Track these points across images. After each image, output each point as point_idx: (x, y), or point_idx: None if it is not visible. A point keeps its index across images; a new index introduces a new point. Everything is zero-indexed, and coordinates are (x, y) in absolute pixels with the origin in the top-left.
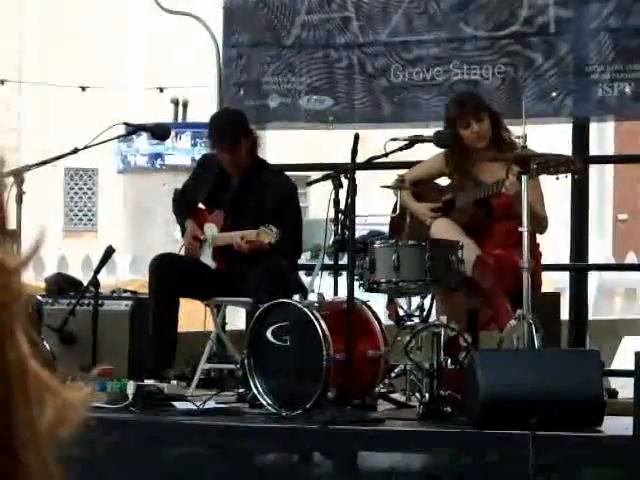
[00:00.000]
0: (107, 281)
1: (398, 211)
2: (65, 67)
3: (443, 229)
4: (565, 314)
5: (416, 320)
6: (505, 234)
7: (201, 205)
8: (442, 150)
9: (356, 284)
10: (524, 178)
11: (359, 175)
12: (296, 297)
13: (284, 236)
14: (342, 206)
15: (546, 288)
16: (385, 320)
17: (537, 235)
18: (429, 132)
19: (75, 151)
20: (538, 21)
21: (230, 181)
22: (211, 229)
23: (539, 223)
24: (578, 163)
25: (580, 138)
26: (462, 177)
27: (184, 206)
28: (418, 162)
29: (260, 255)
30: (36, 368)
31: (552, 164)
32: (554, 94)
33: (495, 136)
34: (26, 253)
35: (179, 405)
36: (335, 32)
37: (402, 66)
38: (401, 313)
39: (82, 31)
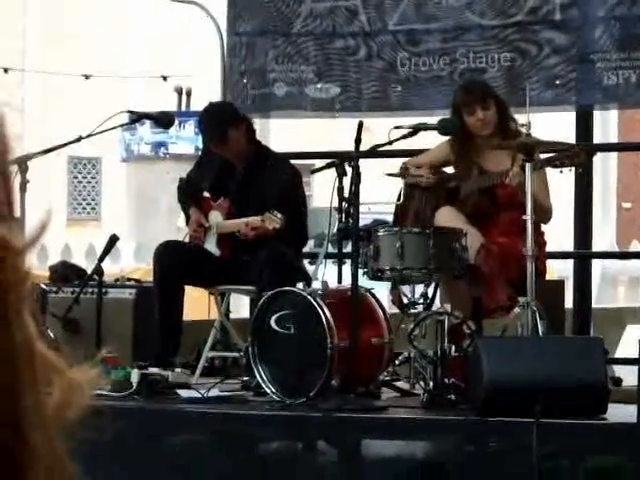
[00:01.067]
0: (111, 269)
1: (402, 199)
2: (68, 55)
3: (447, 217)
4: (569, 302)
5: (420, 308)
6: (509, 223)
7: (206, 194)
8: (447, 138)
9: (360, 272)
10: (528, 166)
11: (363, 163)
12: (300, 285)
13: (289, 223)
14: (346, 194)
15: (550, 276)
16: (389, 308)
17: (541, 224)
18: (433, 120)
19: (79, 139)
20: (543, 9)
21: (235, 169)
22: (216, 216)
23: (543, 213)
24: (582, 156)
25: (584, 126)
26: (466, 165)
27: (189, 194)
28: (422, 150)
29: (264, 243)
30: (43, 349)
31: (556, 157)
32: (559, 82)
33: (500, 124)
34: (32, 234)
35: (183, 393)
36: (341, 21)
37: (409, 55)
38: (405, 300)
39: (85, 19)
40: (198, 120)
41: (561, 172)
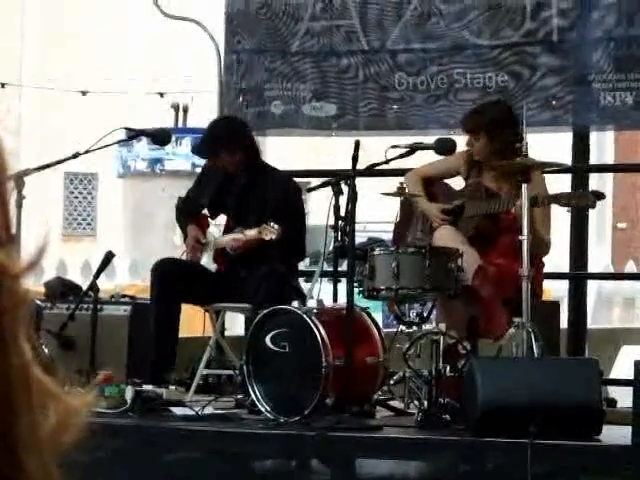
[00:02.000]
0: (106, 286)
1: (399, 218)
2: (65, 72)
3: (446, 237)
4: (564, 323)
5: (415, 328)
6: (509, 246)
7: (205, 211)
8: (464, 150)
9: (355, 291)
10: (525, 186)
11: (359, 182)
12: (295, 303)
13: (287, 235)
14: (342, 213)
15: (545, 297)
16: (384, 327)
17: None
18: (429, 139)
19: (76, 155)
20: (541, 31)
21: (233, 186)
22: (213, 232)
23: (543, 246)
24: (591, 199)
25: (580, 147)
26: (473, 185)
27: (187, 213)
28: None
29: (261, 259)
30: (39, 374)
31: (565, 196)
32: (555, 103)
33: (500, 150)
34: (29, 258)
35: (177, 411)
36: (339, 40)
37: (406, 74)
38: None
39: (82, 35)
40: (200, 138)
41: (568, 211)
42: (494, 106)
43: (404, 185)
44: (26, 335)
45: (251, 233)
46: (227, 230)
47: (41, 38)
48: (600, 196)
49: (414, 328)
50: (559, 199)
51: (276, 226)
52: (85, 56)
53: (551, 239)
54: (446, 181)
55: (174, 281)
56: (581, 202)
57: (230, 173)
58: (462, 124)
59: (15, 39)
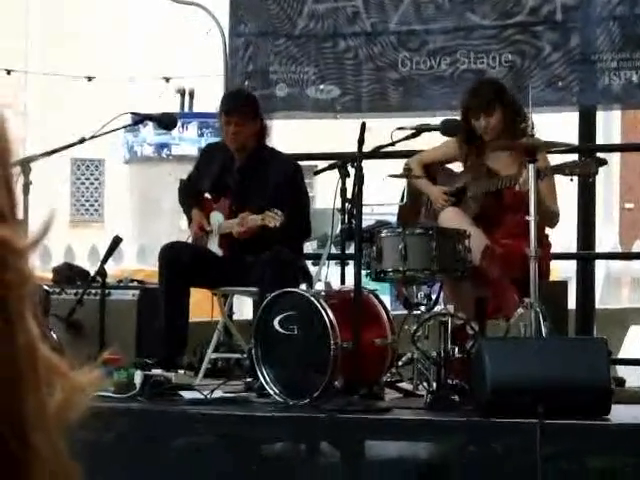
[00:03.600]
0: (114, 271)
1: (406, 200)
2: (70, 58)
3: (452, 218)
4: (572, 303)
5: (423, 309)
6: (515, 225)
7: (207, 195)
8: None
9: (363, 273)
10: (531, 166)
11: (366, 164)
12: (303, 286)
13: (291, 217)
14: (349, 195)
15: (553, 277)
16: (393, 309)
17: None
18: (436, 121)
19: (82, 141)
20: (544, 10)
21: (234, 168)
22: (217, 217)
23: (550, 218)
24: (593, 167)
25: (586, 126)
26: (474, 166)
27: (189, 196)
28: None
29: (267, 243)
30: (45, 351)
31: (567, 166)
32: (560, 83)
33: (507, 128)
34: (35, 235)
35: (186, 395)
36: (343, 22)
37: (409, 55)
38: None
39: (86, 20)
40: (229, 92)
41: (571, 180)
42: (497, 82)
43: (411, 166)
44: (32, 313)
45: (255, 220)
46: (229, 213)
47: (44, 26)
48: (602, 162)
49: (422, 309)
50: (563, 169)
51: (280, 213)
52: (90, 41)
53: (559, 209)
54: (448, 166)
55: (182, 265)
56: (585, 170)
57: (237, 146)
58: (473, 96)
59: (19, 28)
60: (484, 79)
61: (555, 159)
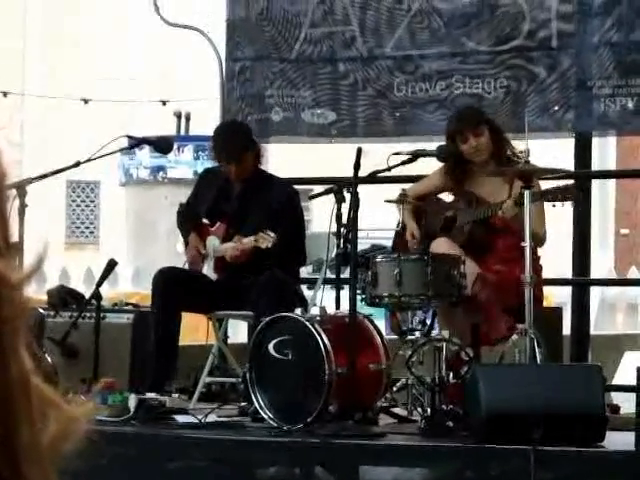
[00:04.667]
0: (109, 294)
1: (401, 226)
2: (67, 80)
3: (443, 248)
4: (567, 329)
5: (418, 334)
6: (505, 249)
7: (205, 220)
8: (440, 165)
9: (358, 298)
10: (526, 193)
11: (362, 189)
12: (298, 311)
13: (287, 243)
14: (344, 220)
15: (548, 303)
16: (387, 334)
17: (538, 249)
18: (432, 146)
19: (77, 164)
20: (540, 35)
21: (231, 193)
22: (213, 242)
23: (537, 240)
24: (575, 192)
25: (582, 152)
26: (462, 195)
27: (188, 220)
28: (420, 177)
29: (262, 267)
30: (39, 383)
31: (549, 192)
32: (556, 108)
33: (495, 151)
34: (29, 268)
35: (180, 418)
36: (338, 46)
37: (405, 80)
38: (403, 328)
39: (84, 42)
40: (215, 133)
41: (554, 206)
42: (478, 109)
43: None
44: (26, 345)
45: (248, 242)
46: (225, 238)
47: (43, 47)
48: (583, 188)
49: (417, 335)
50: (546, 195)
51: (272, 234)
52: (87, 64)
53: (546, 231)
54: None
55: (175, 290)
56: (567, 195)
57: (233, 179)
58: (460, 120)
59: (17, 49)
60: (464, 106)
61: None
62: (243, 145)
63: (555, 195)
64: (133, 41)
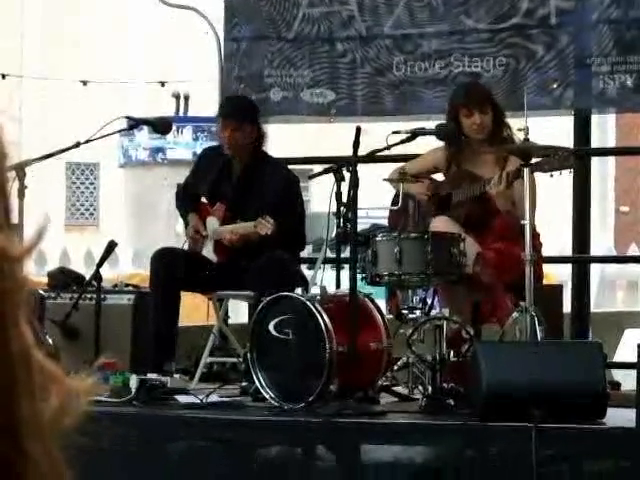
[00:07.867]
0: (109, 275)
1: (400, 204)
2: (66, 62)
3: (442, 227)
4: (567, 306)
5: (418, 313)
6: (505, 226)
7: (204, 199)
8: (438, 145)
9: (358, 277)
10: (526, 170)
11: (361, 168)
12: (298, 290)
13: (285, 228)
14: (344, 199)
15: (548, 281)
16: (387, 313)
17: (537, 225)
18: (431, 125)
19: (77, 145)
20: (539, 13)
21: (232, 174)
22: (213, 223)
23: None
24: (571, 159)
25: (582, 130)
26: (458, 173)
27: (186, 200)
28: (420, 155)
29: (262, 248)
30: (40, 358)
31: (545, 161)
32: (555, 86)
33: (494, 133)
34: (29, 242)
35: (182, 399)
36: (337, 26)
37: (404, 59)
38: (403, 309)
39: (83, 25)
40: (227, 98)
41: (551, 176)
42: (485, 87)
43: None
44: (27, 319)
45: (247, 227)
46: (225, 219)
47: (42, 30)
48: (579, 156)
49: (417, 313)
50: (542, 166)
51: (271, 220)
52: (86, 46)
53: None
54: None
55: (174, 270)
56: (565, 164)
57: (234, 152)
58: (469, 94)
59: (16, 31)
60: (473, 81)
61: None
62: (249, 111)
63: (552, 164)
64: (132, 23)
